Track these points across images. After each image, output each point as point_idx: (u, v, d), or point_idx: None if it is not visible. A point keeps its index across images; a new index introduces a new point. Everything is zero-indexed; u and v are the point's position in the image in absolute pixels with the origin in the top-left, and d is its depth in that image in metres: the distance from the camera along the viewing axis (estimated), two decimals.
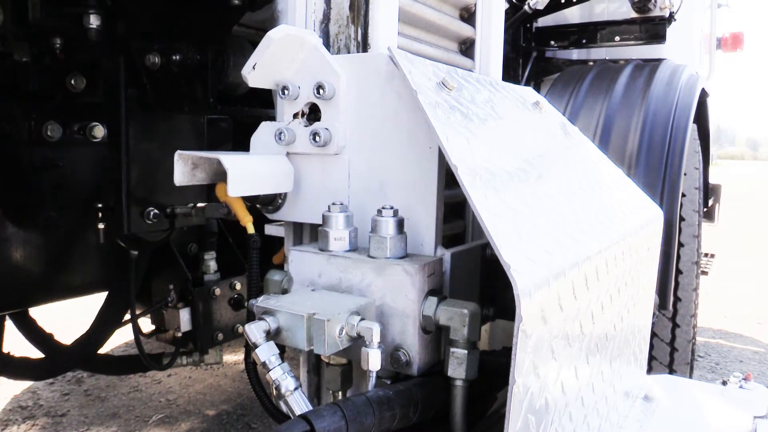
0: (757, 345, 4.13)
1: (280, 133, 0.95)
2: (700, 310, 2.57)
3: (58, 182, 1.42)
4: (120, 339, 3.50)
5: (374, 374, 0.76)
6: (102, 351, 1.81)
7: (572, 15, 3.10)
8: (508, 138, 0.95)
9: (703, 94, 2.43)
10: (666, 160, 1.99)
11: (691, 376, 2.28)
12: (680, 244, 2.16)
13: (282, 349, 0.79)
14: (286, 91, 0.94)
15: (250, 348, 0.81)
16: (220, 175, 0.92)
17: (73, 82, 1.39)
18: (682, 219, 2.15)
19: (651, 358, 2.19)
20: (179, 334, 1.57)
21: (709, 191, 3.36)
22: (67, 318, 2.49)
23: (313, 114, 0.95)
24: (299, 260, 0.88)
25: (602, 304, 0.91)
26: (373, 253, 0.82)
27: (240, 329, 1.64)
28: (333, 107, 0.92)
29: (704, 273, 3.41)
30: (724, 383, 1.33)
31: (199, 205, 1.39)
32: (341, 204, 0.86)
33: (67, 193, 1.44)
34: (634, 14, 2.80)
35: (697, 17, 3.53)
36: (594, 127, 2.14)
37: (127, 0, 1.31)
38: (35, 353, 1.82)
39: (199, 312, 1.55)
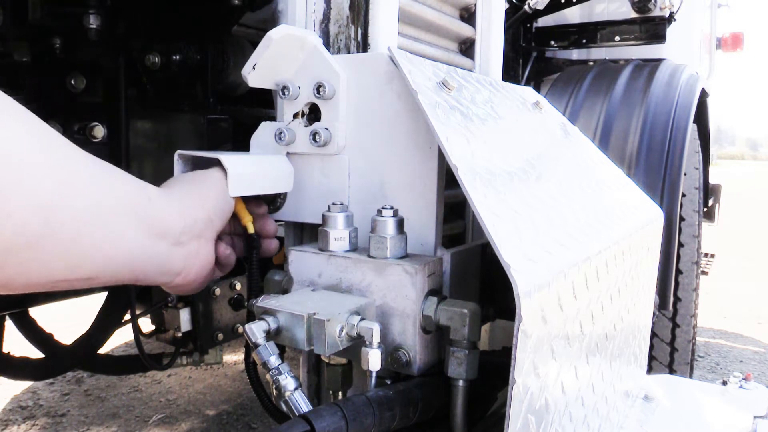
0: (757, 345, 4.13)
1: (280, 133, 0.95)
2: (700, 310, 2.57)
3: None
4: (120, 339, 3.50)
5: (374, 374, 0.76)
6: (102, 351, 1.81)
7: (572, 15, 3.10)
8: (509, 138, 0.95)
9: (703, 94, 2.43)
10: (666, 160, 1.99)
11: (691, 376, 2.28)
12: (680, 244, 2.16)
13: (282, 349, 0.79)
14: (286, 91, 0.94)
15: (250, 348, 0.81)
16: None
17: (73, 82, 1.39)
18: (682, 219, 2.15)
19: (651, 358, 2.19)
20: (179, 334, 1.57)
21: (709, 191, 3.36)
22: (67, 318, 2.50)
23: (313, 114, 0.95)
24: (299, 260, 0.88)
25: (602, 304, 0.91)
26: (373, 253, 0.82)
27: (240, 329, 1.63)
28: (333, 107, 0.92)
29: (704, 273, 3.42)
30: (724, 383, 1.33)
31: None
32: (341, 204, 0.86)
33: None
34: (634, 14, 2.80)
35: (697, 17, 3.53)
36: (594, 127, 2.14)
37: (127, 0, 1.31)
38: (35, 353, 1.82)
39: (199, 312, 1.55)
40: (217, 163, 0.86)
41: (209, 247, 0.83)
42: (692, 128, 2.20)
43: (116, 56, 1.37)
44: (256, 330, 0.74)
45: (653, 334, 2.17)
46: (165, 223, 0.75)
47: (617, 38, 2.85)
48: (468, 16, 1.40)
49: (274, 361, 0.74)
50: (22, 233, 0.55)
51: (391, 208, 0.82)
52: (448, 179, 0.88)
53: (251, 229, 0.93)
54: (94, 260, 0.65)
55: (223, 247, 0.90)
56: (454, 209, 1.17)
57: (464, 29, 1.37)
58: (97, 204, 0.64)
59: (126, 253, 0.69)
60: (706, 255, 3.90)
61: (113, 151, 1.41)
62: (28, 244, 0.56)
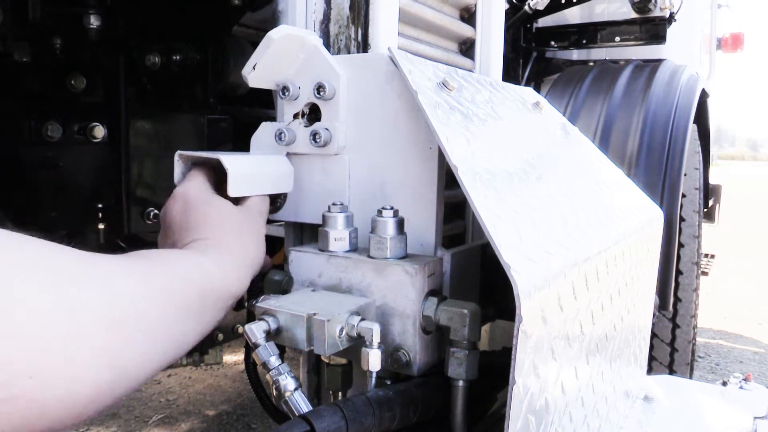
0: (757, 345, 4.13)
1: (281, 133, 0.95)
2: (700, 310, 2.57)
3: (58, 182, 1.42)
4: None
5: (374, 374, 0.76)
6: None
7: (572, 15, 3.10)
8: (509, 138, 0.95)
9: (704, 95, 2.43)
10: (666, 160, 1.99)
11: (691, 377, 2.29)
12: (680, 245, 2.16)
13: (282, 349, 0.78)
14: (286, 92, 0.94)
15: (250, 348, 0.81)
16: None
17: (73, 82, 1.39)
18: (682, 219, 2.15)
19: (651, 358, 2.19)
20: None
21: (709, 192, 3.36)
22: None
23: (313, 114, 0.95)
24: (299, 260, 0.88)
25: (602, 305, 0.91)
26: (373, 253, 0.82)
27: (240, 329, 1.63)
28: (333, 107, 0.92)
29: (704, 273, 3.42)
30: (724, 384, 1.33)
31: None
32: (341, 204, 0.86)
33: (67, 193, 1.44)
34: (634, 15, 2.80)
35: (697, 18, 3.54)
36: (594, 127, 2.14)
37: (127, 0, 1.31)
38: None
39: None
40: (217, 163, 0.86)
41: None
42: (692, 129, 2.20)
43: (116, 56, 1.37)
44: (256, 330, 0.74)
45: (653, 335, 2.17)
46: (228, 297, 0.76)
47: (617, 38, 2.85)
48: (468, 16, 1.40)
49: (274, 361, 0.74)
50: (97, 388, 0.54)
51: (391, 208, 0.82)
52: (448, 179, 0.88)
53: None
54: (166, 364, 0.65)
55: None
56: (454, 209, 1.17)
57: (464, 29, 1.37)
58: (161, 332, 0.62)
59: (194, 342, 0.70)
60: (706, 255, 3.90)
61: (113, 151, 1.41)
62: (102, 394, 0.55)
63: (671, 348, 2.19)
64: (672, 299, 2.05)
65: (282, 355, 0.77)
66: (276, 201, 1.00)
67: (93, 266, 0.58)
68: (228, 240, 0.79)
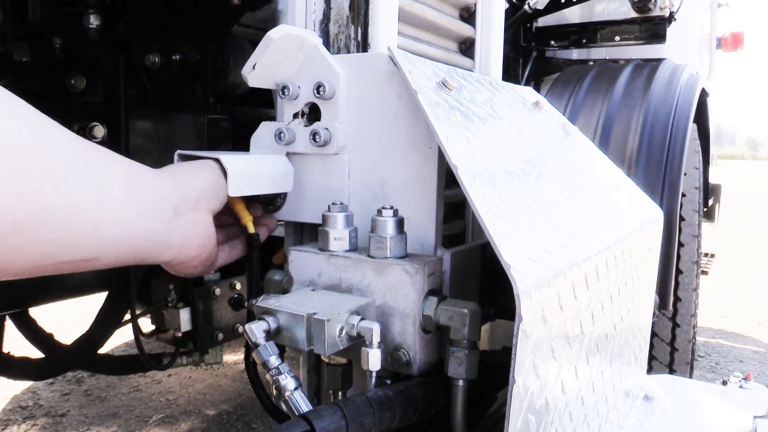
0: (758, 345, 4.13)
1: (280, 132, 0.95)
2: (700, 309, 2.57)
3: None
4: (120, 339, 3.51)
5: (374, 374, 0.76)
6: (102, 351, 1.81)
7: (572, 15, 3.10)
8: (509, 138, 0.95)
9: (703, 94, 2.43)
10: (666, 159, 1.99)
11: (691, 376, 2.29)
12: (680, 244, 2.16)
13: (282, 348, 0.79)
14: (286, 91, 0.94)
15: (250, 348, 0.81)
16: None
17: (73, 81, 1.39)
18: (682, 219, 2.15)
19: (651, 357, 2.19)
20: (179, 334, 1.57)
21: (709, 191, 3.36)
22: (67, 318, 2.50)
23: (313, 114, 0.95)
24: (299, 260, 0.88)
25: (602, 304, 0.91)
26: (373, 252, 0.82)
27: (240, 329, 1.63)
28: (333, 107, 0.92)
29: (704, 273, 3.42)
30: (724, 383, 1.33)
31: None
32: (341, 204, 0.86)
33: None
34: (634, 14, 2.80)
35: (697, 17, 3.54)
36: (594, 126, 2.14)
37: (127, 0, 1.31)
38: (35, 353, 1.82)
39: (199, 312, 1.55)
40: (216, 162, 0.86)
41: (207, 219, 0.83)
42: (692, 128, 2.20)
43: (116, 56, 1.37)
44: (256, 330, 0.74)
45: (653, 334, 2.17)
46: (160, 198, 0.75)
47: (617, 38, 2.85)
48: (468, 15, 1.40)
49: (274, 360, 0.74)
50: (8, 221, 0.56)
51: (391, 207, 0.82)
52: (448, 179, 0.88)
53: (251, 229, 0.93)
54: (92, 241, 0.65)
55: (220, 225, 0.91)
56: (454, 209, 1.17)
57: (464, 29, 1.37)
58: (89, 187, 0.64)
59: (124, 232, 0.69)
60: (706, 255, 3.90)
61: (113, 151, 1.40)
62: (17, 230, 0.57)
63: (671, 347, 2.19)
64: (672, 298, 2.05)
65: (282, 355, 0.77)
66: (276, 201, 1.00)
67: (27, 107, 0.61)
68: (171, 167, 0.84)
